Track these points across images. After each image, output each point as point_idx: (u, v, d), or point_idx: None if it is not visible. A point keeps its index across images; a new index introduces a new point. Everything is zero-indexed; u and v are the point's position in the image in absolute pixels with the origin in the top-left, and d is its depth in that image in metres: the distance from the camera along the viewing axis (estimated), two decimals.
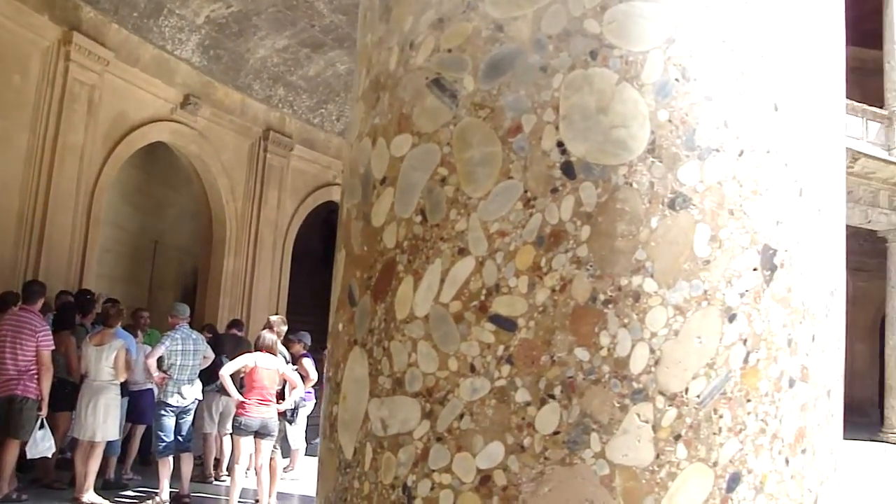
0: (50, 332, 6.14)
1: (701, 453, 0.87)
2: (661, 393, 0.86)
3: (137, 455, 7.52)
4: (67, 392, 6.45)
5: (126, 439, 7.28)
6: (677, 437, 0.87)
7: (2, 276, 7.99)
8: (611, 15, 0.92)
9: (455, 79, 0.98)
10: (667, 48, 0.92)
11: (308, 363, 7.48)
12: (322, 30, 11.11)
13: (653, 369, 0.86)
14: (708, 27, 0.93)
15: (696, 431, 0.87)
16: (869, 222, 19.71)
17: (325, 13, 10.68)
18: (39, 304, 6.27)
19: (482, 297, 0.90)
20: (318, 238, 16.20)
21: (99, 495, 6.21)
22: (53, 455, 6.28)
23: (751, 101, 0.93)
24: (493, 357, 0.89)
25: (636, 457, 0.86)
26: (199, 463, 7.68)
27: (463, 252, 0.92)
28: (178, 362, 6.56)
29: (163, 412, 6.55)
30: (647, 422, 0.86)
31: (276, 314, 9.07)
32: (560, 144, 0.90)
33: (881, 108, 20.19)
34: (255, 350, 6.48)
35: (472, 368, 0.90)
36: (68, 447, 6.92)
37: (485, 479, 0.88)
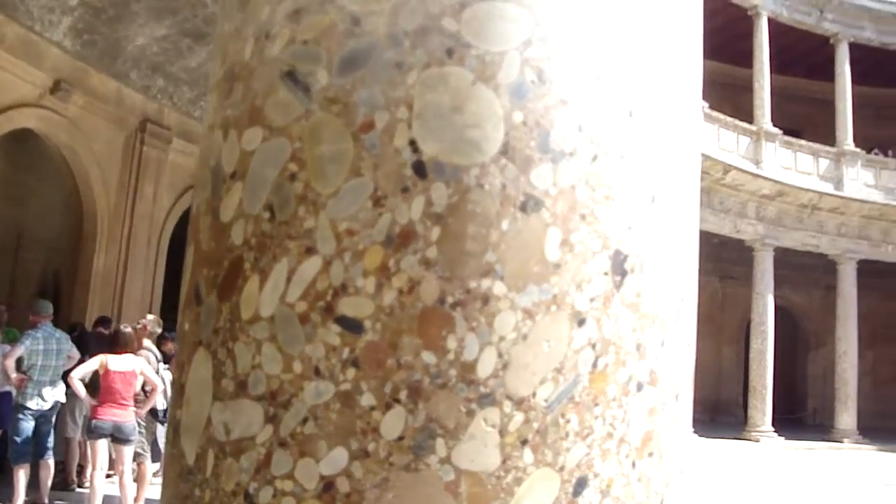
0: None
1: (548, 458, 0.87)
2: (509, 398, 0.85)
3: None
4: None
5: None
6: (524, 442, 0.86)
7: None
8: (470, 13, 0.91)
9: (309, 72, 0.94)
10: (524, 50, 0.91)
11: None
12: (205, 20, 10.80)
13: (500, 374, 0.85)
14: (566, 31, 0.93)
15: (544, 436, 0.86)
16: (738, 232, 20.69)
17: (207, 3, 10.39)
18: None
19: (328, 298, 0.87)
20: None
21: None
22: None
23: (606, 107, 0.94)
24: (338, 360, 0.86)
25: (482, 462, 0.85)
26: (62, 469, 7.32)
27: (310, 251, 0.89)
28: (39, 363, 6.24)
29: (21, 416, 6.22)
30: (493, 427, 0.85)
31: (151, 313, 8.76)
32: (412, 143, 0.88)
33: (751, 123, 21.22)
34: (112, 349, 6.20)
35: (317, 371, 0.87)
36: None
37: (328, 485, 0.85)
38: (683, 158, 1.05)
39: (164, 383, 6.73)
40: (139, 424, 6.46)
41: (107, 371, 5.93)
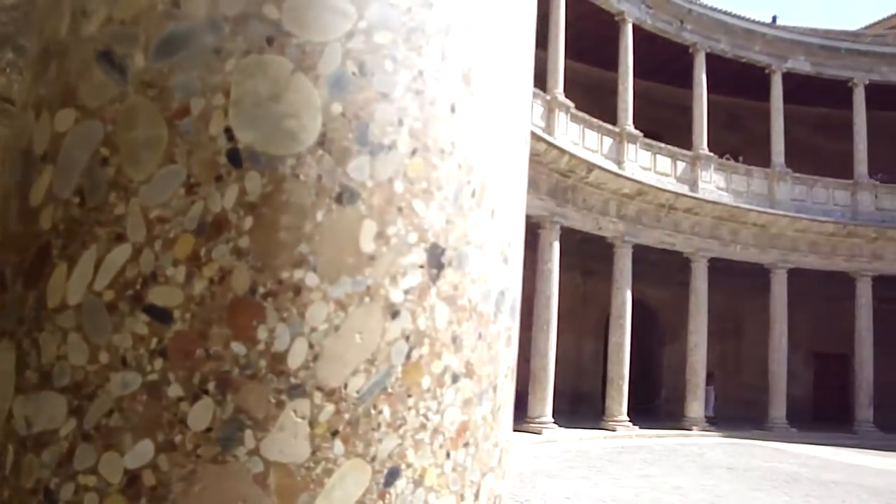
0: None
1: (359, 449, 0.87)
2: (319, 389, 0.85)
3: None
4: None
5: None
6: (335, 434, 0.86)
7: None
8: (292, 2, 0.90)
9: (125, 53, 0.91)
10: (346, 42, 0.91)
11: None
12: None
13: (311, 365, 0.85)
14: (390, 24, 0.94)
15: (355, 427, 0.87)
16: (600, 229, 21.40)
17: None
18: None
19: (137, 287, 0.85)
20: None
21: None
22: None
23: (427, 101, 0.95)
24: (146, 350, 0.84)
25: (292, 453, 0.84)
26: None
27: (120, 238, 0.86)
28: None
29: None
30: (303, 418, 0.85)
31: None
32: (228, 131, 0.86)
33: (615, 125, 21.97)
34: None
35: (124, 362, 0.84)
36: None
37: (133, 479, 0.83)
38: (508, 156, 1.08)
39: None
40: None
41: None
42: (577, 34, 21.40)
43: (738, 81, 26.01)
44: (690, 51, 24.31)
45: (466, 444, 0.99)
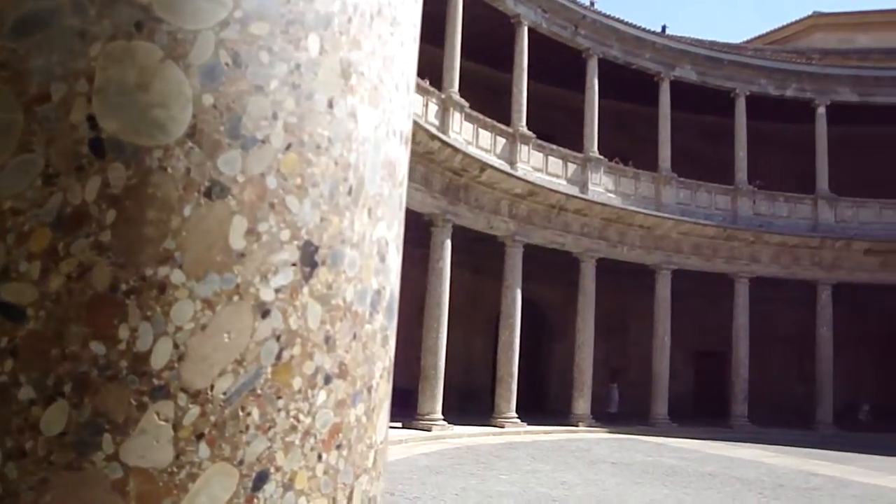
0: None
1: (225, 452, 0.84)
2: (184, 390, 0.82)
3: None
4: None
5: None
6: (200, 437, 0.83)
7: None
8: None
9: None
10: (220, 31, 0.88)
11: None
12: None
13: (176, 365, 0.82)
14: (267, 15, 0.91)
15: (221, 430, 0.84)
16: (491, 228, 21.64)
17: None
18: None
19: None
20: None
21: None
22: None
23: (304, 96, 0.92)
24: None
25: (153, 458, 0.81)
26: None
27: None
28: None
29: None
30: (167, 421, 0.81)
31: None
32: (91, 119, 0.82)
33: (509, 126, 22.25)
34: None
35: None
36: None
37: None
38: (388, 151, 1.07)
39: None
40: None
41: None
42: (473, 35, 21.57)
43: (629, 87, 26.77)
44: (584, 56, 24.88)
45: (339, 446, 0.97)
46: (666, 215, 25.20)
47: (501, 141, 22.04)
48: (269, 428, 0.88)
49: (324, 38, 0.96)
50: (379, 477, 1.08)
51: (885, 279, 26.53)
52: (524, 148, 22.44)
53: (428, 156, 18.46)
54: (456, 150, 19.29)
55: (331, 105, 0.96)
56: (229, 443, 0.85)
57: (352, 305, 0.97)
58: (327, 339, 0.94)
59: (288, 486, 0.90)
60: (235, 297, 0.85)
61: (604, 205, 24.05)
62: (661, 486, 13.34)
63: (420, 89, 18.24)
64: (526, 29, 23.04)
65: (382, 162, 1.04)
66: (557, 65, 25.23)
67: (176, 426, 0.82)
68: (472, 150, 20.23)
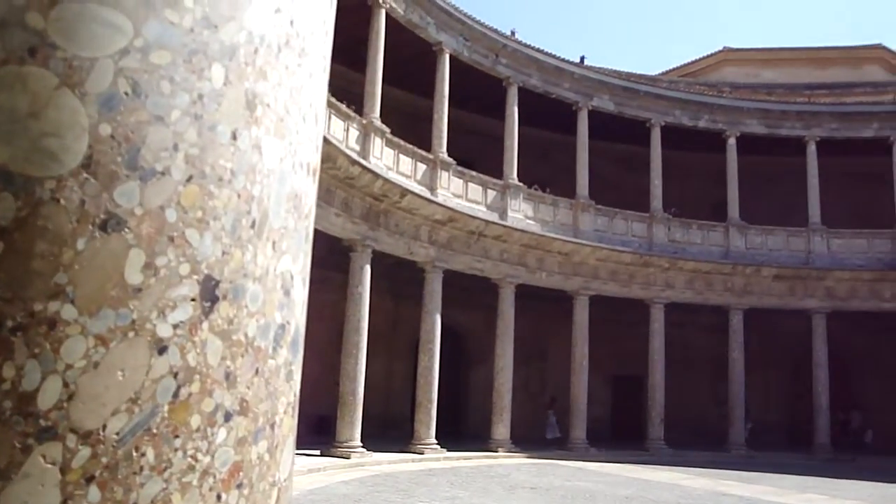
0: None
1: (118, 495, 0.81)
2: (74, 431, 0.79)
3: None
4: None
5: None
6: (90, 479, 0.80)
7: None
8: (59, 12, 0.84)
9: None
10: (120, 59, 0.86)
11: None
12: None
13: (65, 405, 0.78)
14: (169, 44, 0.89)
15: (114, 472, 0.81)
16: (411, 254, 21.63)
17: None
18: None
19: None
20: None
21: None
22: None
23: (206, 127, 0.91)
24: None
25: (39, 503, 0.77)
26: None
27: None
28: None
29: None
30: (53, 463, 0.78)
31: None
32: None
33: (429, 152, 22.35)
34: None
35: None
36: None
37: None
38: (294, 184, 1.05)
39: None
40: None
41: None
42: (396, 61, 21.65)
43: (548, 116, 27.22)
44: (504, 84, 25.20)
45: (240, 486, 0.94)
46: (584, 242, 25.61)
47: (422, 167, 22.11)
48: (165, 468, 0.85)
49: (228, 69, 0.94)
50: None
51: (793, 304, 27.47)
52: (444, 174, 22.55)
53: (348, 181, 18.38)
54: (376, 175, 19.26)
55: (234, 136, 0.94)
56: (122, 485, 0.82)
57: (254, 340, 0.96)
58: (228, 376, 0.91)
59: None
60: (131, 334, 0.82)
61: (523, 231, 24.30)
62: None
63: (341, 114, 18.19)
64: (448, 56, 23.25)
65: (288, 195, 1.03)
66: (478, 92, 25.50)
67: (64, 469, 0.78)
68: (392, 176, 20.24)
